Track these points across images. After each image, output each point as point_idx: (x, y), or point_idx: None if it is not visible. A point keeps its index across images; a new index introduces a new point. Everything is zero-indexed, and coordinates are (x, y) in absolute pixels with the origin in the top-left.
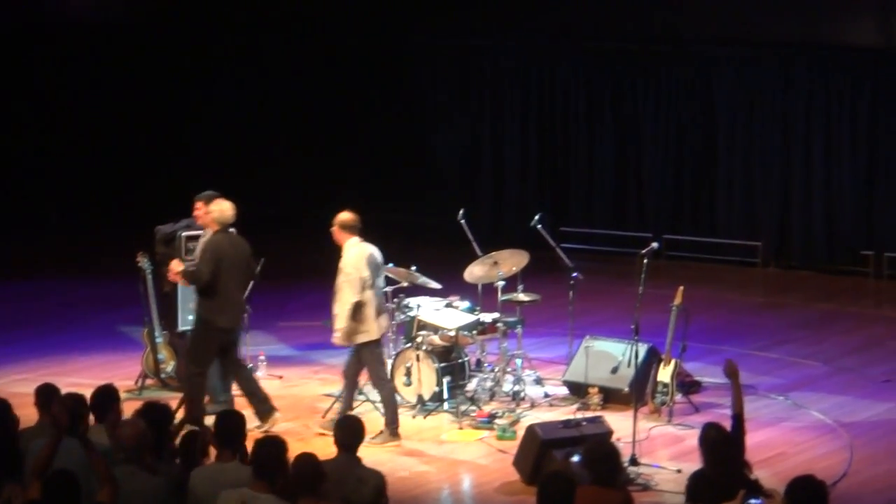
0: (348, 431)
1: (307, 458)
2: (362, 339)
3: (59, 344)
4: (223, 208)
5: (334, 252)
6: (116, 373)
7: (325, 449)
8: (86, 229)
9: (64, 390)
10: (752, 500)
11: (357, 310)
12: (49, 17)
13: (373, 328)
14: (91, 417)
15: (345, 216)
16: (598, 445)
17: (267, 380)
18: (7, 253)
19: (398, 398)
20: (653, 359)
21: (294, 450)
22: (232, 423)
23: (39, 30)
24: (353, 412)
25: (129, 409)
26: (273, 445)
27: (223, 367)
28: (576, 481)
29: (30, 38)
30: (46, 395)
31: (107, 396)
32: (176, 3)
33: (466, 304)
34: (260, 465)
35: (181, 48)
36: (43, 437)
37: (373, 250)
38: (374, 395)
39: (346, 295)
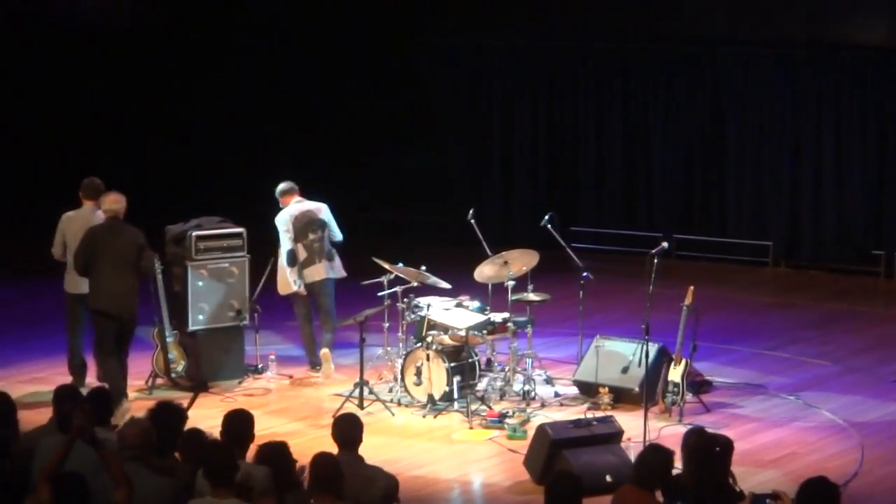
0: (347, 428)
1: (326, 458)
2: (285, 291)
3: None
4: (108, 199)
5: (345, 253)
6: (127, 372)
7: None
8: None
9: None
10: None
11: (291, 260)
12: (55, 21)
13: (293, 279)
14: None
15: (279, 186)
16: (655, 453)
17: (277, 379)
18: (18, 252)
19: (409, 398)
20: (663, 358)
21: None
22: (240, 423)
23: (44, 33)
24: (361, 411)
25: (140, 408)
26: (224, 452)
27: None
28: (583, 481)
29: (35, 41)
30: (64, 396)
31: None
32: (182, 7)
33: (476, 303)
34: (212, 473)
35: (187, 51)
36: (50, 437)
37: (305, 208)
38: (384, 393)
39: (280, 248)
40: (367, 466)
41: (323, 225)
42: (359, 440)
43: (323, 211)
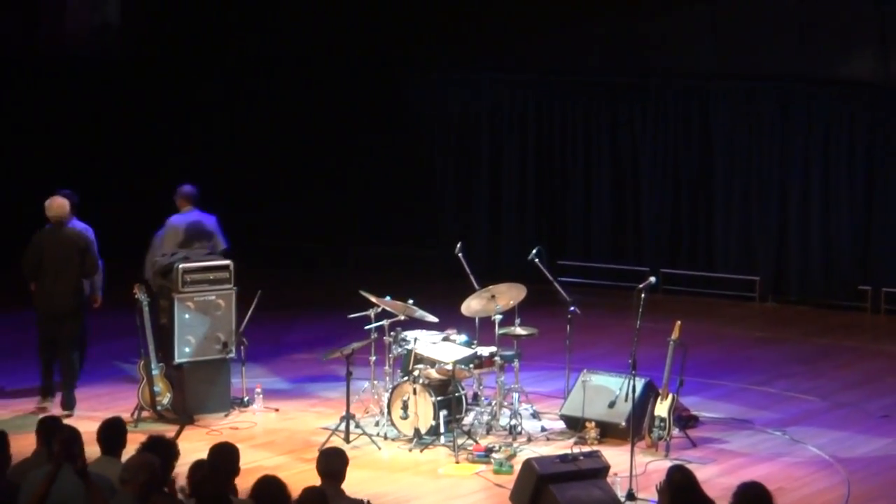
0: (331, 461)
1: (314, 491)
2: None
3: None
4: (51, 205)
5: (332, 286)
6: (112, 405)
7: (309, 481)
8: None
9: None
10: None
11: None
12: (43, 49)
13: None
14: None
15: (186, 188)
16: (683, 478)
17: (263, 412)
18: (3, 284)
19: (395, 432)
20: (650, 393)
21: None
22: (226, 457)
23: (32, 61)
24: (348, 444)
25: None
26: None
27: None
28: None
29: (22, 68)
30: (48, 428)
31: (117, 429)
32: (173, 36)
33: (463, 337)
34: None
35: (178, 80)
36: (37, 470)
37: (197, 218)
38: (371, 427)
39: (156, 244)
40: (348, 500)
41: (210, 235)
42: (342, 473)
43: (212, 222)
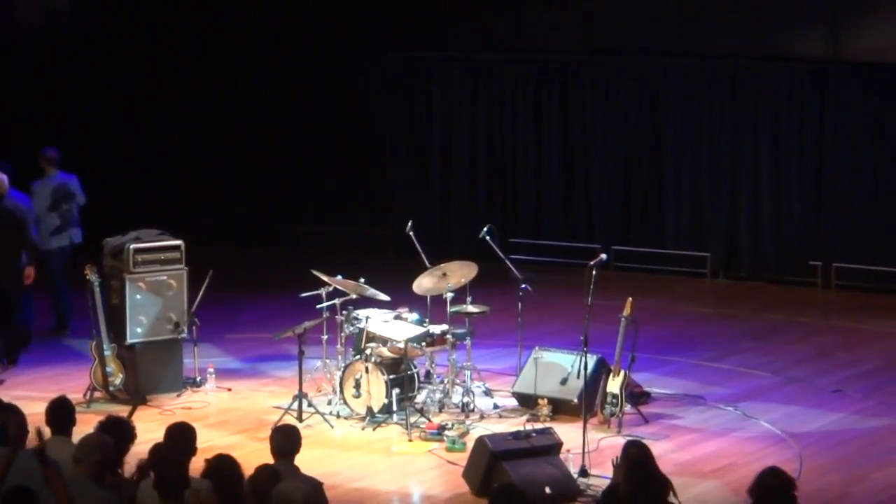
0: (284, 439)
1: (267, 469)
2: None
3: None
4: None
5: (284, 265)
6: (64, 385)
7: (263, 460)
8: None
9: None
10: None
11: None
12: None
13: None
14: (47, 430)
15: (51, 152)
16: (775, 477)
17: (216, 392)
18: None
19: (348, 410)
20: (602, 370)
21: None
22: (183, 437)
23: None
24: (300, 423)
25: (81, 421)
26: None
27: None
28: (526, 494)
29: None
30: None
31: (65, 409)
32: (127, 17)
33: (415, 315)
34: (164, 486)
35: (134, 61)
36: None
37: (59, 181)
38: (323, 406)
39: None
40: (302, 477)
41: (73, 196)
42: (295, 450)
43: (74, 181)
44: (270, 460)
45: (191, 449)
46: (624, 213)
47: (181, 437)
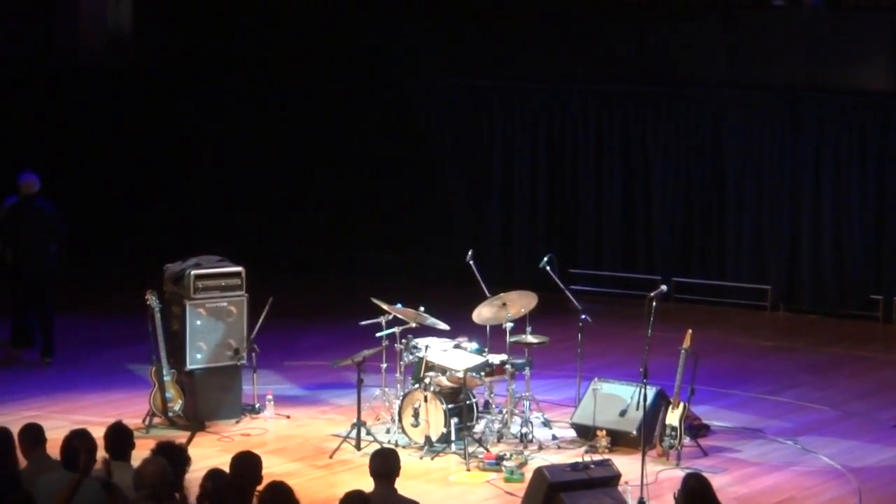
0: (381, 461)
1: (355, 495)
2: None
3: (67, 381)
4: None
5: (343, 293)
6: (124, 410)
7: (353, 483)
8: (95, 267)
9: (72, 428)
10: None
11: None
12: (58, 61)
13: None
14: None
15: (32, 178)
16: (699, 485)
17: (274, 419)
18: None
19: (406, 439)
20: (661, 402)
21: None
22: (249, 466)
23: (49, 72)
24: (359, 452)
25: (140, 446)
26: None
27: None
28: None
29: (39, 80)
30: (34, 435)
31: (123, 434)
32: (185, 48)
33: (475, 345)
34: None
35: (190, 90)
36: (48, 474)
37: (35, 205)
38: (382, 434)
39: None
40: (400, 499)
41: (51, 222)
42: (394, 473)
43: (52, 209)
44: (328, 488)
45: (257, 478)
46: (684, 244)
47: (248, 466)
